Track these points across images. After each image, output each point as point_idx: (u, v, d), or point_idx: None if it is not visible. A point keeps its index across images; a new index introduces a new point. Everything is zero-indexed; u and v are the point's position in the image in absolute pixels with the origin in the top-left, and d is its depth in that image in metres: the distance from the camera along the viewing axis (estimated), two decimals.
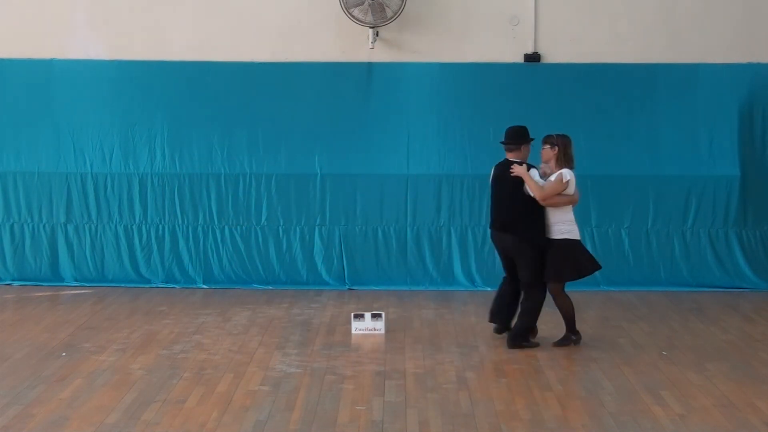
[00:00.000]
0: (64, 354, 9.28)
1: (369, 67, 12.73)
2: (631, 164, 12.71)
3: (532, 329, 9.76)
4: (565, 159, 9.64)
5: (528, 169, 9.58)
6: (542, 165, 9.80)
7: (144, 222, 12.77)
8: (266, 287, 12.57)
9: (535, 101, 12.66)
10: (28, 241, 12.79)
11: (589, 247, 12.71)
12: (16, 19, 12.80)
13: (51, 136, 12.70)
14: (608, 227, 12.78)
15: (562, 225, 9.57)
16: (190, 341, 9.83)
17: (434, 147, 12.68)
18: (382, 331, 10.13)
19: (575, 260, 9.60)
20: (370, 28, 12.47)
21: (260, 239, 12.75)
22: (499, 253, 9.99)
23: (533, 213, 9.56)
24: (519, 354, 9.43)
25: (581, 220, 12.62)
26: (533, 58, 12.75)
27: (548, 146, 9.71)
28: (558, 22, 12.79)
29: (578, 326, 10.50)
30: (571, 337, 9.72)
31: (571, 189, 9.59)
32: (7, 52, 12.73)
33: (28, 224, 12.80)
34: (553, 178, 9.58)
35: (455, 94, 12.67)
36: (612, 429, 7.32)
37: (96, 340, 9.83)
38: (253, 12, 12.77)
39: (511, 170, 9.62)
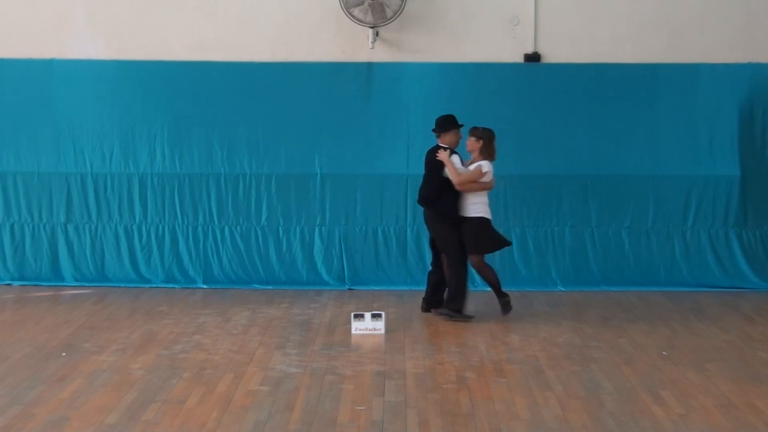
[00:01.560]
0: (64, 354, 9.28)
1: (369, 67, 12.74)
2: (631, 164, 12.72)
3: (463, 301, 10.82)
4: (487, 151, 10.79)
5: (450, 155, 10.68)
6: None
7: (144, 222, 12.77)
8: (266, 287, 12.57)
9: (535, 101, 12.68)
10: (28, 241, 12.79)
11: (589, 247, 12.83)
12: (16, 19, 12.80)
13: (51, 136, 12.71)
14: (608, 227, 12.79)
15: (478, 205, 10.73)
16: (190, 341, 9.83)
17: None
18: (382, 331, 10.13)
19: (491, 235, 10.83)
20: (370, 28, 12.48)
21: (260, 239, 12.75)
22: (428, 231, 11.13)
23: (449, 193, 10.72)
24: (519, 354, 9.43)
25: (581, 220, 12.74)
26: (533, 58, 12.75)
27: (474, 138, 10.83)
28: (558, 22, 12.79)
29: (578, 326, 10.52)
30: (505, 299, 10.95)
31: (488, 178, 10.76)
32: (7, 52, 12.73)
33: (29, 224, 12.80)
34: (472, 167, 10.73)
35: (455, 94, 12.67)
36: (612, 429, 7.33)
37: (96, 340, 9.83)
38: (253, 12, 12.77)
39: (436, 155, 10.71)
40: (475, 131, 10.85)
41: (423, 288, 12.53)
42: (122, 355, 9.29)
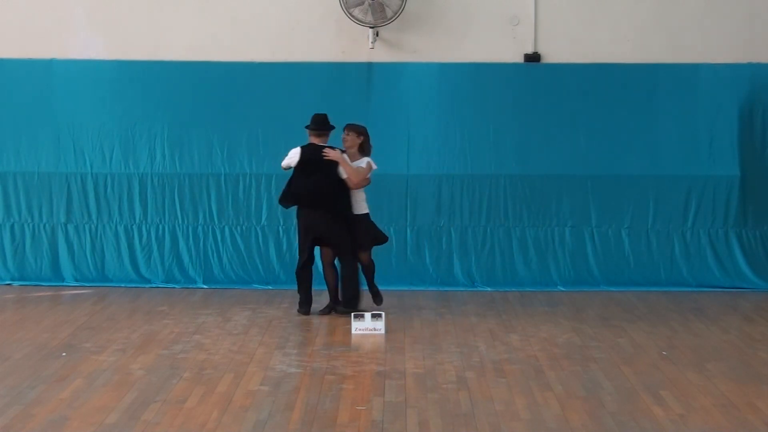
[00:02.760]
0: (64, 354, 9.27)
1: (369, 67, 12.74)
2: (631, 164, 12.72)
3: (359, 295, 10.99)
4: (368, 147, 10.98)
5: (341, 154, 10.83)
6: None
7: (144, 222, 12.77)
8: (266, 287, 12.57)
9: (535, 101, 12.68)
10: (28, 241, 12.79)
11: (589, 247, 12.84)
12: (16, 19, 12.80)
13: (51, 136, 12.71)
14: (608, 227, 12.78)
15: (363, 202, 10.96)
16: (190, 341, 9.83)
17: (434, 147, 12.69)
18: (382, 331, 10.13)
19: (376, 230, 11.06)
20: (370, 28, 12.48)
21: (260, 239, 12.75)
22: (305, 233, 10.92)
23: (342, 191, 10.84)
24: (519, 354, 9.43)
25: (581, 220, 12.75)
26: (533, 58, 12.75)
27: (354, 134, 10.95)
28: (558, 22, 12.79)
29: (578, 326, 10.53)
30: (378, 289, 11.14)
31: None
32: (7, 52, 12.73)
33: (29, 224, 12.80)
34: (363, 164, 10.89)
35: (455, 94, 12.68)
36: (612, 429, 7.32)
37: (96, 340, 9.82)
38: (253, 12, 12.77)
39: (324, 154, 10.72)
40: (355, 128, 10.96)
41: (423, 288, 12.56)
42: (122, 355, 9.28)
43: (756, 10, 12.77)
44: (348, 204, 10.88)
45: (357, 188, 10.87)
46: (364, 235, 10.92)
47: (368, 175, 10.92)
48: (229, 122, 12.67)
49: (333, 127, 10.89)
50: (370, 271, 11.05)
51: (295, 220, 12.21)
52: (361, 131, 10.97)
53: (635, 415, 7.61)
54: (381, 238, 11.13)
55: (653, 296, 12.26)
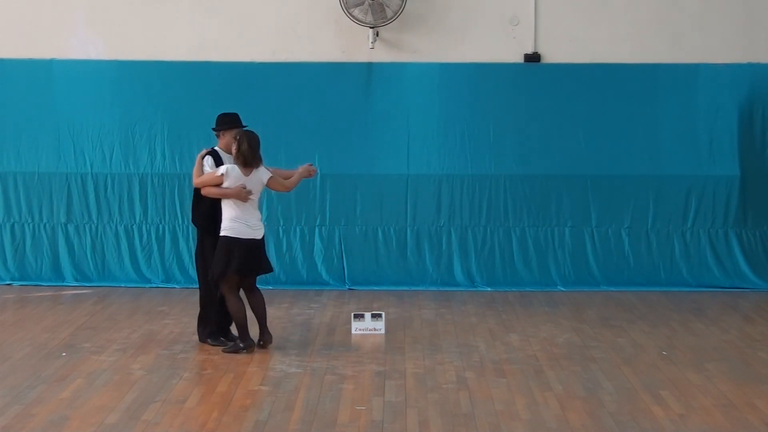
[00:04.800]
0: (64, 354, 9.28)
1: (369, 67, 12.74)
2: (631, 164, 12.72)
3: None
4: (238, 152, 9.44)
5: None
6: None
7: (144, 222, 12.77)
8: (266, 287, 12.54)
9: (535, 101, 12.68)
10: (28, 241, 12.79)
11: (589, 247, 12.84)
12: (16, 19, 12.79)
13: (51, 136, 12.70)
14: (608, 227, 12.78)
15: (226, 220, 9.34)
16: (190, 341, 9.83)
17: (434, 147, 12.68)
18: (382, 331, 10.13)
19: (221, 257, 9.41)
20: (370, 28, 12.47)
21: None
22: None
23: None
24: (519, 354, 9.43)
25: (581, 220, 12.75)
26: (533, 58, 12.75)
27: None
28: (558, 22, 12.78)
29: (578, 326, 10.53)
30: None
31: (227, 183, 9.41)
32: (7, 52, 12.72)
33: (29, 224, 12.80)
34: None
35: (455, 94, 12.67)
36: (612, 429, 7.33)
37: (96, 340, 9.82)
38: (254, 12, 12.77)
39: None
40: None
41: (423, 288, 12.59)
42: (122, 355, 9.29)
43: (756, 10, 12.76)
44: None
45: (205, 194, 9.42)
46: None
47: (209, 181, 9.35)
48: None
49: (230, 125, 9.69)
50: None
51: (295, 221, 12.28)
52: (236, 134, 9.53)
53: (635, 415, 7.61)
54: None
55: (653, 296, 12.26)
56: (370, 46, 12.57)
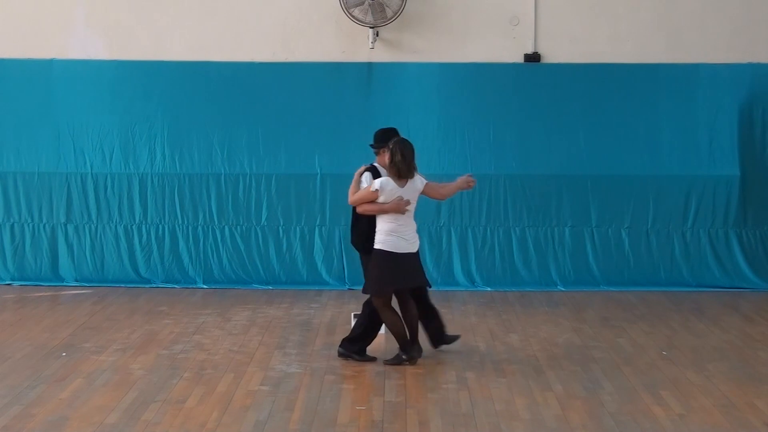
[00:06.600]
0: (64, 354, 9.28)
1: (369, 67, 12.74)
2: (631, 164, 12.72)
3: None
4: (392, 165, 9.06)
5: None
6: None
7: (144, 222, 12.77)
8: (266, 287, 12.57)
9: (535, 101, 12.68)
10: (28, 241, 12.79)
11: (589, 247, 12.83)
12: (16, 19, 12.80)
13: (51, 136, 12.71)
14: (608, 227, 12.78)
15: (380, 234, 9.01)
16: (190, 341, 9.83)
17: (434, 147, 12.68)
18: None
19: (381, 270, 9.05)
20: (370, 28, 12.48)
21: (260, 239, 12.75)
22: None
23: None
24: (519, 354, 9.43)
25: (581, 220, 12.73)
26: (533, 58, 12.75)
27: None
28: (558, 22, 12.79)
29: (578, 326, 10.53)
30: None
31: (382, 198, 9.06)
32: (7, 52, 12.73)
33: (29, 224, 12.80)
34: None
35: (455, 94, 12.68)
36: (612, 429, 7.33)
37: (96, 340, 9.83)
38: (253, 12, 12.77)
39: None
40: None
41: None
42: (122, 355, 9.29)
43: (756, 10, 12.77)
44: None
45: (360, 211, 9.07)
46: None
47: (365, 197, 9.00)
48: (229, 122, 12.67)
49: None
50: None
51: (295, 221, 12.26)
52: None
53: (635, 415, 7.61)
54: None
55: (653, 296, 12.26)
56: (370, 46, 12.57)
